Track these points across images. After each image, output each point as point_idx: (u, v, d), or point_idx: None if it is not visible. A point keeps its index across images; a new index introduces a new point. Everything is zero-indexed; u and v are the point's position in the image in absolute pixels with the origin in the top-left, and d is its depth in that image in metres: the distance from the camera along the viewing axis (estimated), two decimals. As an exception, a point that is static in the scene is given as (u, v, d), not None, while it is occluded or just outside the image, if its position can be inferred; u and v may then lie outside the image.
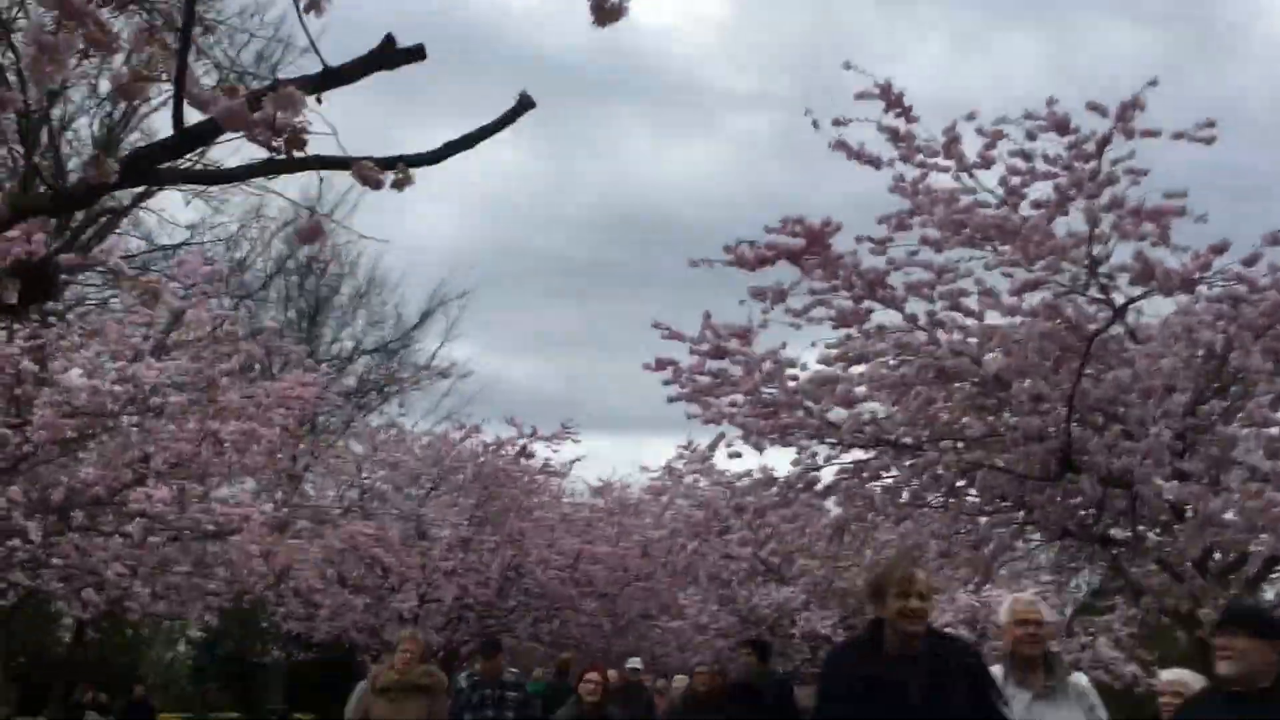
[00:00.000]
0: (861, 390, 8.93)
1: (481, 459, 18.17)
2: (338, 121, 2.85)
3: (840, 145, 8.92)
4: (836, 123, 8.75)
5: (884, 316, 9.27)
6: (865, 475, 9.92)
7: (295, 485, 18.04)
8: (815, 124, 8.80)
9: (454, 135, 3.29)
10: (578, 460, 20.28)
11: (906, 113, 8.54)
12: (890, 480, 10.00)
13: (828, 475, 10.01)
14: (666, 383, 9.93)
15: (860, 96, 8.58)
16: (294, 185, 29.71)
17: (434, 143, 3.24)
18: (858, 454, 10.01)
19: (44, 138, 21.57)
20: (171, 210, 24.93)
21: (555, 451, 18.88)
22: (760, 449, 9.96)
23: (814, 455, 10.06)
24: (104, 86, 22.86)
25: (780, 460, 10.83)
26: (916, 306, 8.87)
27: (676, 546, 17.29)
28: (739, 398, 9.84)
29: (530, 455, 18.61)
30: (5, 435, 9.82)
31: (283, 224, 26.37)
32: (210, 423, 10.39)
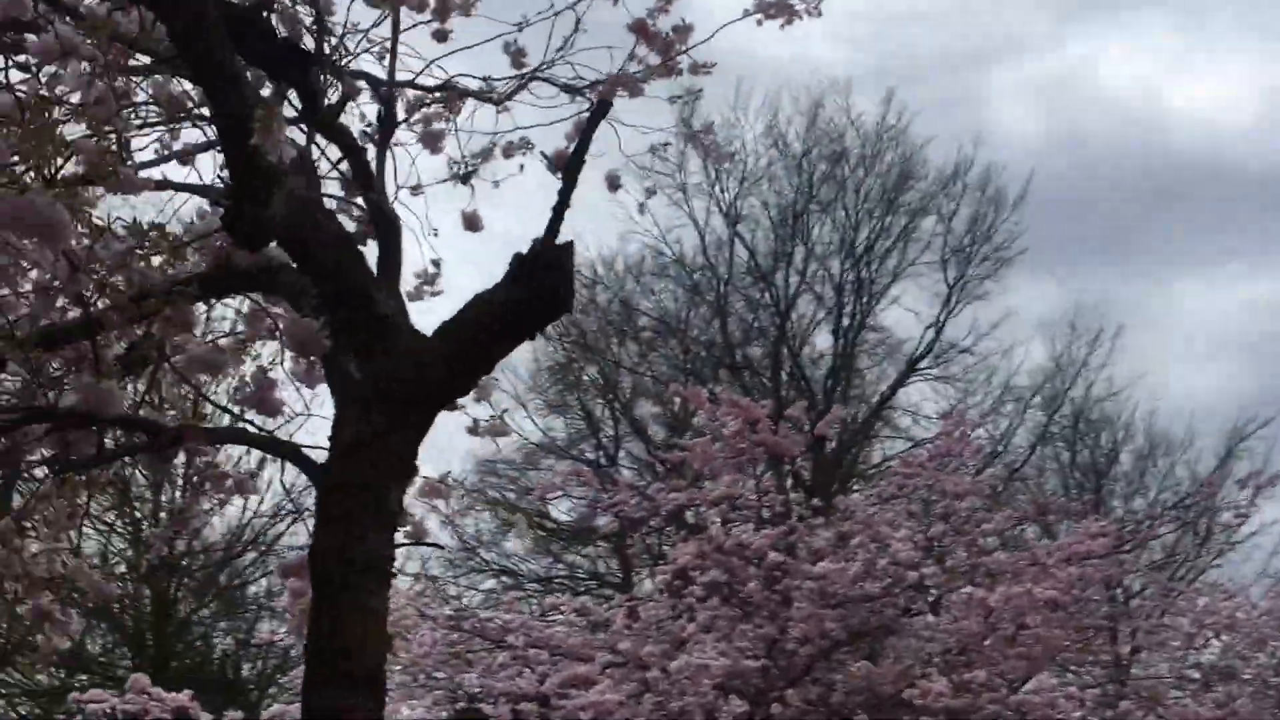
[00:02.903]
0: None
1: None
2: None
3: None
4: None
5: None
6: None
7: (1121, 668, 15.72)
8: None
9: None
10: None
11: None
12: None
13: None
14: None
15: None
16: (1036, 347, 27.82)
17: None
18: None
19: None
20: (919, 403, 24.71)
21: None
22: None
23: None
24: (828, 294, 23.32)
25: None
26: None
27: None
28: None
29: None
30: (770, 634, 9.04)
31: (1035, 390, 24.61)
32: (977, 591, 8.82)
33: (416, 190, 4.31)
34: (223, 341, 3.68)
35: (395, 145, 4.18)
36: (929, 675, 9.33)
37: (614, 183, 4.58)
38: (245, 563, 19.21)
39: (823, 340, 24.04)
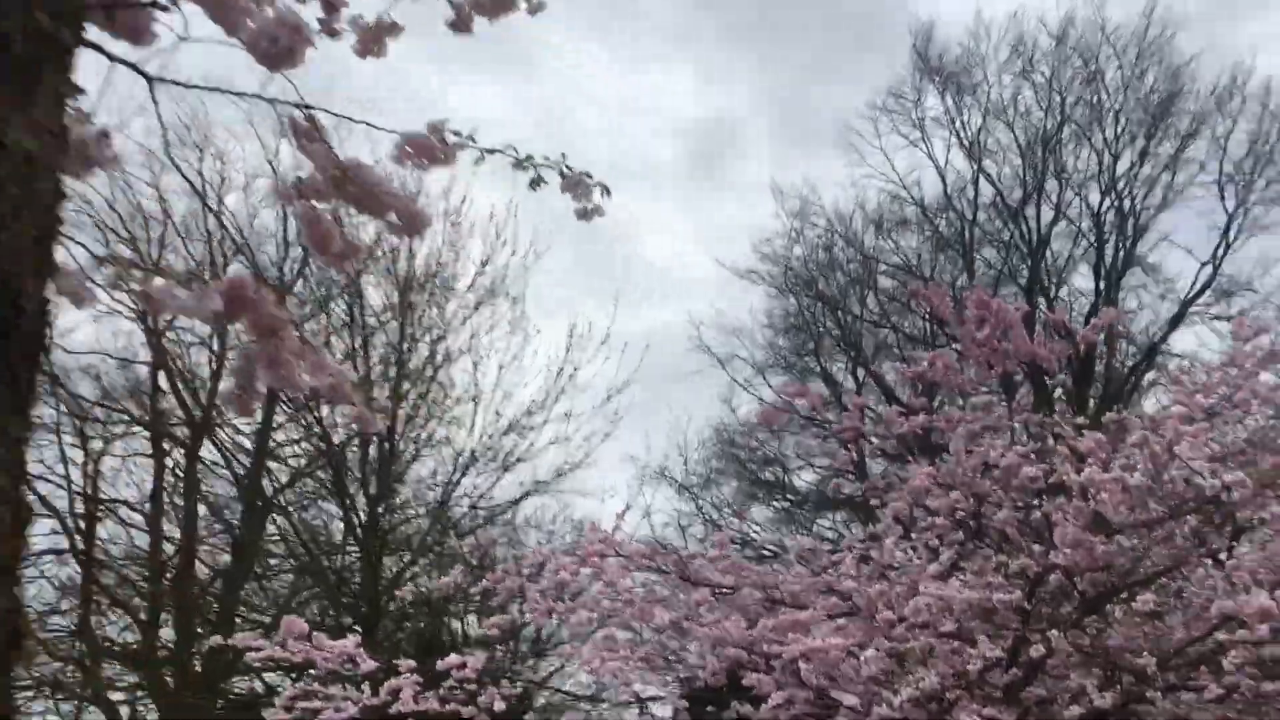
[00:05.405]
0: None
1: None
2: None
3: None
4: None
5: None
6: None
7: None
8: None
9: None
10: None
11: None
12: None
13: None
14: None
15: None
16: None
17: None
18: None
19: None
20: (1196, 350, 21.49)
21: None
22: None
23: None
24: None
25: None
26: None
27: None
28: None
29: None
30: (1029, 566, 7.32)
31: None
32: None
33: None
34: None
35: None
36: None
37: None
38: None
39: (1082, 280, 21.76)
